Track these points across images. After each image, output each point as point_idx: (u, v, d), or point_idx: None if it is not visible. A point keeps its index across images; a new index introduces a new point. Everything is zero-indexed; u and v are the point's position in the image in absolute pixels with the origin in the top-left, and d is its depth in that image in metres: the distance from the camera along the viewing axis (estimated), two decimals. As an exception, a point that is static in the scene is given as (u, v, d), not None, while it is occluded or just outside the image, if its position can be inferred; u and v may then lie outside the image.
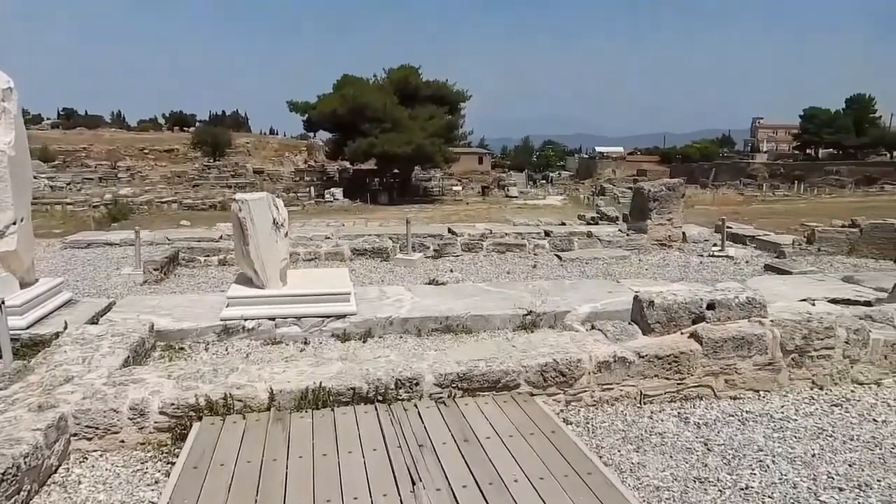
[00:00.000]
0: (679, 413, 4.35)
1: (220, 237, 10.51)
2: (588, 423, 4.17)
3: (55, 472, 3.50)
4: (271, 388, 3.98)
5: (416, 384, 4.17)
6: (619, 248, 10.77)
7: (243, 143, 48.14)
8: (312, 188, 33.33)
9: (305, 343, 5.73)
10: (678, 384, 4.58)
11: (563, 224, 12.97)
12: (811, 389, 4.73)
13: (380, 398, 4.10)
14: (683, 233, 11.56)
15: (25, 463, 3.19)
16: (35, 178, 29.02)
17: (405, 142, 31.46)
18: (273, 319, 5.79)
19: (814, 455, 3.72)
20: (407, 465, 3.29)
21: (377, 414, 3.90)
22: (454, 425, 3.77)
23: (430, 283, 7.73)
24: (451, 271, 8.93)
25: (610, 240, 11.06)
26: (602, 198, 33.50)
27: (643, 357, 4.53)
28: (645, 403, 4.47)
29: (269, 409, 3.94)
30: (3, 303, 4.91)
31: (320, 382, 4.04)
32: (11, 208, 5.44)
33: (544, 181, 51.98)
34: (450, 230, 11.24)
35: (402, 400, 4.11)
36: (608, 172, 56.39)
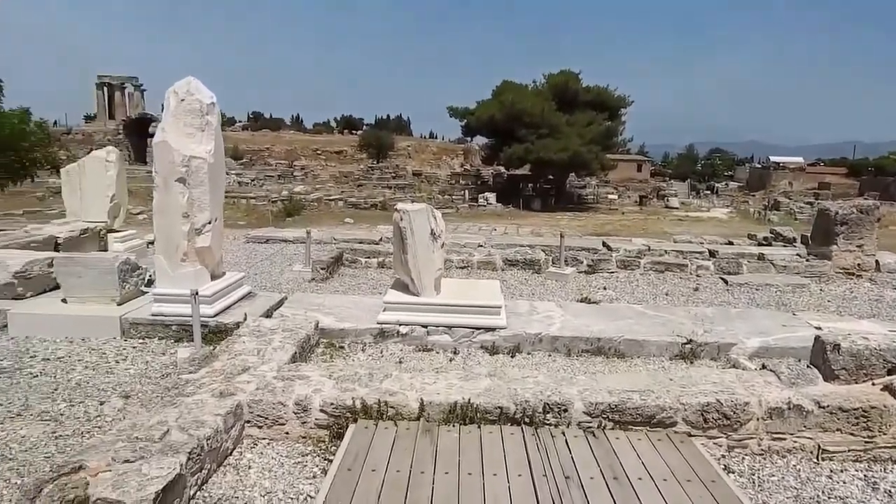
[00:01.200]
0: (865, 476, 3.82)
1: (380, 239, 11.06)
2: (753, 475, 3.80)
3: (230, 454, 3.88)
4: (422, 399, 4.09)
5: (565, 410, 4.06)
6: (797, 275, 9.73)
7: (405, 147, 50.41)
8: (467, 192, 34.03)
9: (455, 353, 5.83)
10: (866, 442, 4.03)
11: (731, 243, 11.99)
12: None
13: (526, 420, 4.05)
14: (877, 261, 10.17)
15: (208, 444, 3.57)
16: (226, 174, 32.66)
17: (561, 148, 31.03)
18: (425, 327, 5.97)
19: None
20: (552, 497, 3.22)
21: (523, 437, 3.86)
22: (603, 459, 3.62)
23: (582, 301, 7.53)
24: (605, 289, 8.63)
25: (785, 264, 10.03)
26: (775, 213, 30.58)
27: (824, 407, 4.04)
28: (823, 460, 3.98)
29: (418, 418, 4.05)
30: (196, 293, 5.56)
31: (469, 398, 4.08)
32: (208, 209, 6.14)
33: (709, 192, 48.62)
34: (604, 244, 10.88)
35: (550, 425, 4.03)
36: (783, 185, 51.33)
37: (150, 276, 7.05)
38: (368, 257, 9.71)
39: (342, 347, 5.87)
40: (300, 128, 73.33)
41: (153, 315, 6.00)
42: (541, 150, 31.31)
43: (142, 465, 3.19)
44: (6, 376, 4.98)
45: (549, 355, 5.83)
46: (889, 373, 4.27)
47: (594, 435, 3.94)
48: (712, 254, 10.46)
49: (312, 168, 42.01)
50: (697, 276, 9.86)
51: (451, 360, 5.66)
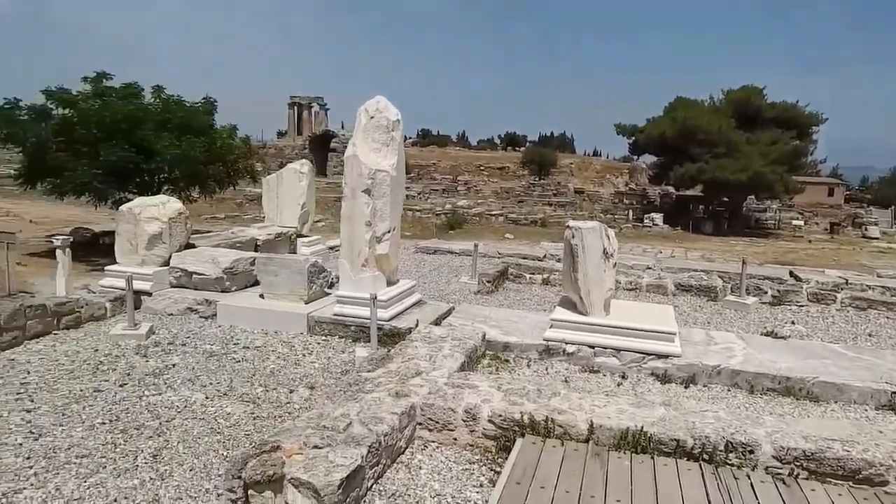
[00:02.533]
0: None
1: (544, 256, 11.02)
2: None
3: (402, 453, 4.07)
4: (591, 421, 4.00)
5: (751, 452, 3.74)
6: None
7: (567, 164, 49.84)
8: (631, 211, 32.80)
9: (623, 377, 5.63)
10: None
11: (952, 282, 10.29)
12: None
13: (705, 457, 3.79)
14: None
15: (385, 440, 3.78)
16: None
17: (740, 168, 28.77)
18: (592, 348, 5.83)
19: None
20: (737, 544, 2.97)
21: (702, 475, 3.61)
22: (796, 512, 3.28)
23: (767, 335, 6.89)
24: (793, 323, 7.82)
25: None
26: None
27: None
28: None
29: (587, 441, 3.96)
30: (375, 297, 5.94)
31: (642, 426, 3.91)
32: (388, 219, 6.53)
33: (920, 222, 42.19)
34: (792, 274, 9.88)
35: (731, 465, 3.73)
36: None
37: (333, 279, 7.66)
38: (533, 273, 9.72)
39: (507, 360, 5.92)
40: (465, 144, 75.56)
41: (335, 315, 6.50)
42: (716, 169, 29.28)
43: (328, 452, 3.45)
44: (216, 359, 5.67)
45: (729, 390, 5.41)
46: None
47: (785, 483, 3.58)
48: (928, 292, 9.06)
49: (475, 183, 43.03)
50: (909, 317, 8.59)
51: (618, 385, 5.47)
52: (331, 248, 11.65)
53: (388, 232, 6.60)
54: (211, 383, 5.10)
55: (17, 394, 4.71)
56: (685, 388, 5.44)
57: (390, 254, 6.67)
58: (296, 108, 56.09)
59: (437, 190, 38.52)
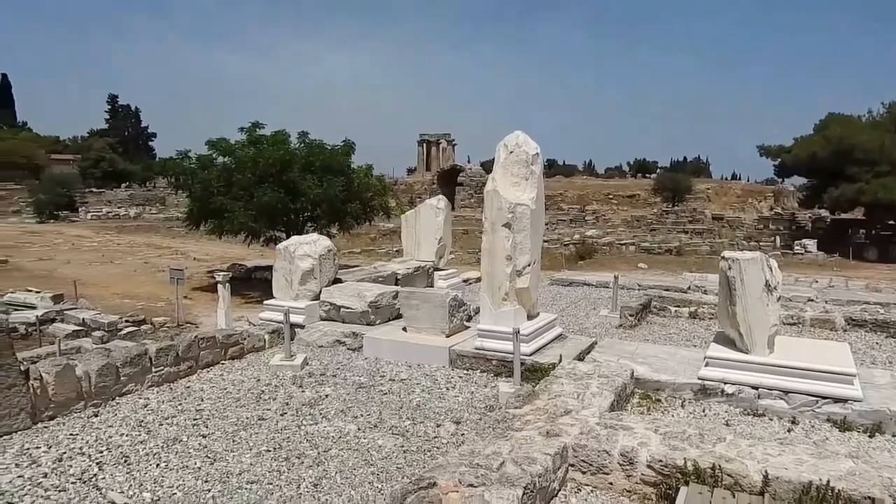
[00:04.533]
0: None
1: (689, 288, 10.42)
2: None
3: (556, 496, 3.93)
4: (766, 472, 3.64)
5: (968, 518, 3.21)
6: None
7: (703, 189, 47.30)
8: (778, 237, 30.25)
9: (793, 422, 5.10)
10: None
11: None
12: None
13: (908, 519, 3.31)
14: None
15: (539, 482, 3.67)
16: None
17: (909, 187, 25.67)
18: (756, 388, 5.35)
19: None
20: None
21: (908, 541, 3.15)
22: None
23: (969, 378, 5.97)
24: None
25: None
26: None
27: None
28: None
29: (761, 493, 3.60)
30: (518, 332, 5.88)
31: (827, 480, 3.49)
32: (529, 253, 6.50)
33: None
34: None
35: (944, 532, 3.23)
36: None
37: (471, 312, 7.72)
38: (678, 306, 9.20)
39: (659, 400, 5.60)
40: (592, 173, 74.28)
41: (476, 349, 6.52)
42: (879, 190, 26.29)
43: (483, 491, 3.41)
44: (364, 391, 5.87)
45: (925, 442, 4.72)
46: None
47: None
48: None
49: (604, 212, 41.96)
50: None
51: (789, 431, 4.96)
52: (465, 280, 11.80)
53: (529, 265, 6.55)
54: (362, 414, 5.28)
55: (194, 420, 5.15)
56: (870, 437, 4.82)
57: (531, 287, 6.61)
58: (424, 144, 58.35)
59: (564, 220, 37.99)
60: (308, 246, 8.16)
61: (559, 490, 3.99)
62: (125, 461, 4.37)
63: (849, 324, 8.23)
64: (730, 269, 5.52)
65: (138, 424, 5.02)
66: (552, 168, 72.96)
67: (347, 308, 7.67)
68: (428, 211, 11.32)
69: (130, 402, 5.53)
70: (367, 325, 7.56)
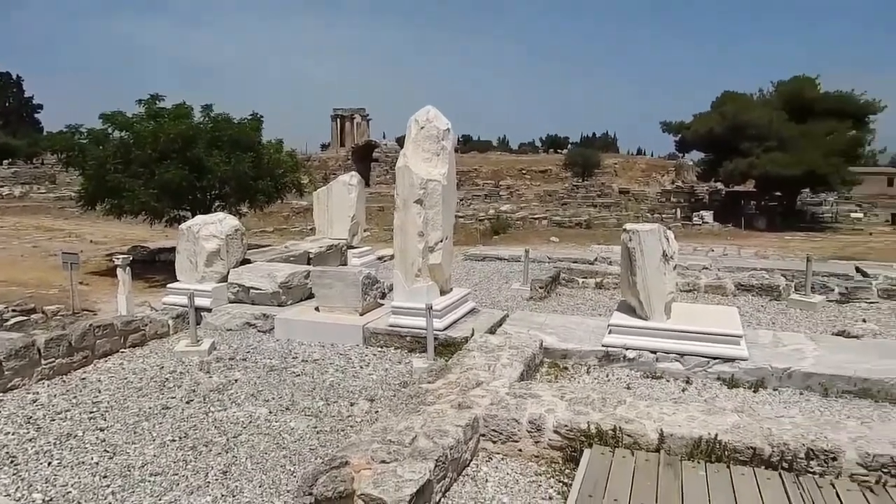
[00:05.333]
0: None
1: (595, 259, 10.85)
2: None
3: (468, 466, 4.02)
4: (661, 430, 3.88)
5: (833, 459, 3.57)
6: None
7: (611, 164, 49.13)
8: (679, 209, 32.01)
9: (687, 382, 5.46)
10: None
11: None
12: None
13: (784, 465, 3.63)
14: None
15: (450, 453, 3.74)
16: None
17: (793, 162, 27.73)
18: (654, 353, 5.68)
19: None
20: (829, 560, 2.82)
21: (783, 484, 3.45)
22: (890, 524, 3.10)
23: (839, 335, 6.59)
24: (864, 322, 7.46)
25: None
26: None
27: None
28: None
29: (657, 450, 3.84)
30: (431, 307, 5.92)
31: (715, 434, 3.77)
32: (440, 228, 6.53)
33: None
34: (858, 269, 9.46)
35: (814, 474, 3.56)
36: None
37: (385, 289, 7.69)
38: (585, 277, 9.56)
39: (566, 368, 5.82)
40: (506, 149, 75.39)
41: (390, 326, 6.52)
42: (768, 164, 28.30)
43: (396, 467, 3.44)
44: (276, 373, 5.75)
45: (801, 394, 5.18)
46: None
47: (873, 491, 3.40)
48: None
49: (517, 187, 42.79)
50: None
51: (684, 391, 5.30)
52: (380, 258, 11.74)
53: (441, 241, 6.59)
54: (273, 398, 5.17)
55: (91, 413, 4.87)
56: (754, 392, 5.24)
57: (443, 263, 6.66)
58: (338, 120, 57.12)
59: (479, 196, 38.43)
60: (213, 226, 7.83)
61: (471, 460, 4.08)
62: (11, 461, 4.07)
63: (738, 289, 8.86)
64: (630, 240, 5.78)
65: (26, 421, 4.69)
66: (467, 144, 73.49)
67: (257, 289, 7.45)
68: (340, 188, 11.12)
69: (17, 397, 5.14)
70: (279, 306, 7.38)
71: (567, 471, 3.90)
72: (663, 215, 31.08)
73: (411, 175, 6.32)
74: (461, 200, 36.49)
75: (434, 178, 6.40)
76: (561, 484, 3.78)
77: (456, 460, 3.83)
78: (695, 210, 31.16)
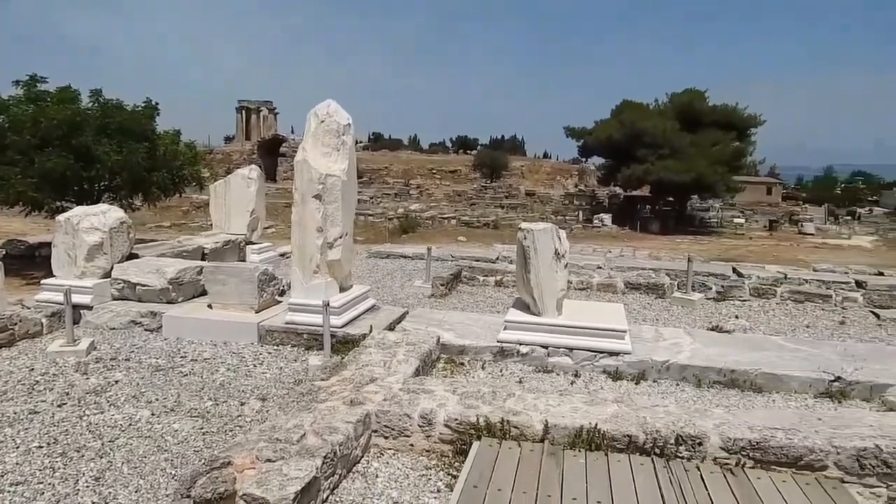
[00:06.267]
0: None
1: (497, 258, 11.09)
2: (922, 534, 3.39)
3: (358, 462, 4.01)
4: (546, 421, 4.03)
5: (700, 444, 3.84)
6: (965, 312, 8.62)
7: (518, 166, 50.44)
8: (581, 212, 33.40)
9: (576, 375, 5.70)
10: None
11: (881, 273, 10.85)
12: None
13: (657, 451, 3.87)
14: None
15: (340, 450, 3.71)
16: (347, 192, 34.19)
17: (684, 169, 29.67)
18: (546, 348, 5.89)
19: None
20: (689, 536, 3.03)
21: (654, 469, 3.68)
22: (744, 499, 3.38)
23: (713, 329, 7.10)
24: (737, 318, 8.10)
25: (951, 299, 8.92)
26: (933, 242, 27.33)
27: None
28: None
29: (542, 440, 3.99)
30: (328, 304, 5.85)
31: (595, 423, 3.96)
32: (340, 224, 6.46)
33: (850, 217, 44.42)
34: (734, 270, 10.24)
35: (682, 459, 3.82)
36: (943, 211, 45.81)
37: (284, 286, 7.52)
38: (486, 275, 9.77)
39: (462, 364, 5.92)
40: (417, 148, 75.57)
41: (287, 323, 6.37)
42: (661, 170, 30.12)
43: (282, 465, 3.37)
44: (162, 374, 5.47)
45: (677, 384, 5.55)
46: None
47: (732, 473, 3.69)
48: (860, 285, 9.53)
49: (427, 187, 43.06)
50: (843, 308, 9.01)
51: (572, 383, 5.53)
52: (282, 254, 11.44)
53: (341, 237, 6.52)
54: (157, 399, 4.92)
55: (-55, 418, 4.44)
56: (636, 384, 5.55)
57: (343, 259, 6.59)
58: (244, 112, 55.13)
59: (389, 194, 38.36)
60: (95, 217, 7.33)
61: (362, 456, 4.07)
62: None
63: (627, 287, 9.36)
64: (525, 239, 5.96)
65: None
66: (378, 142, 73.06)
67: (145, 286, 7.05)
68: (239, 181, 10.73)
69: None
70: (168, 303, 7.03)
71: (457, 464, 3.96)
72: (567, 217, 32.32)
73: (310, 169, 6.21)
74: (371, 199, 36.28)
75: (334, 174, 6.33)
76: (450, 477, 3.84)
77: (346, 457, 3.81)
78: (595, 213, 32.62)
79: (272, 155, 43.07)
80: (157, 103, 14.28)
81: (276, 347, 6.25)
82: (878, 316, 8.43)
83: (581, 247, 19.89)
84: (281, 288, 7.35)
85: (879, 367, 5.64)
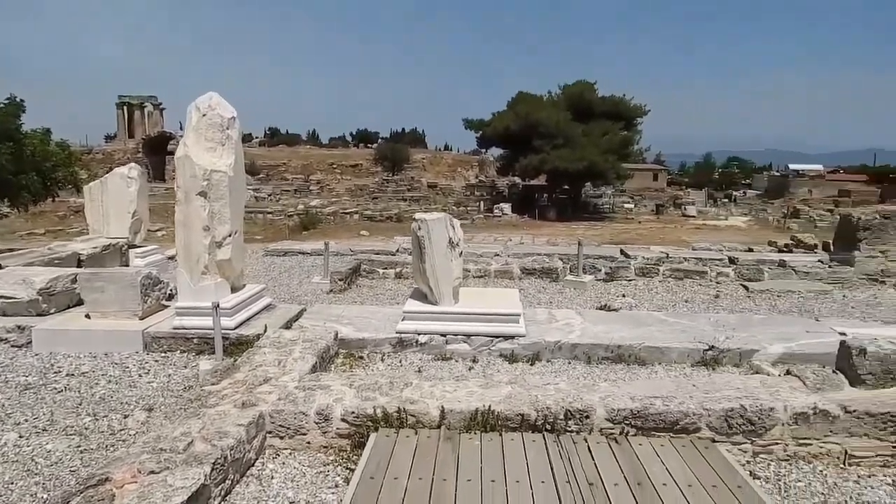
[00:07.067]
0: (894, 481, 3.74)
1: (397, 250, 11.10)
2: (779, 481, 3.74)
3: (252, 465, 3.89)
4: (443, 407, 4.08)
5: (587, 417, 4.03)
6: (819, 282, 9.59)
7: (420, 159, 50.67)
8: (482, 202, 34.06)
9: (474, 361, 5.82)
10: (894, 447, 3.94)
11: (751, 250, 11.86)
12: None
13: (548, 427, 4.02)
14: (902, 266, 9.99)
15: (231, 455, 3.58)
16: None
17: (577, 158, 30.94)
18: (444, 336, 5.96)
19: None
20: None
21: (545, 444, 3.83)
22: (626, 466, 3.58)
23: (601, 309, 7.48)
24: (624, 296, 8.57)
25: (807, 271, 9.89)
26: (795, 221, 30.18)
27: (850, 412, 3.97)
28: (851, 465, 3.91)
29: (439, 426, 4.04)
30: (217, 306, 5.62)
31: (489, 405, 4.06)
32: (229, 222, 6.20)
33: (727, 200, 48.14)
34: (622, 252, 10.81)
35: (571, 432, 4.00)
36: (803, 192, 50.71)
37: (172, 290, 7.14)
38: (386, 268, 9.75)
39: (361, 357, 5.89)
40: (316, 142, 74.01)
41: (175, 328, 6.06)
42: (556, 160, 31.23)
43: (167, 476, 3.21)
44: (32, 392, 5.05)
45: (569, 363, 5.79)
46: (918, 376, 4.18)
47: (617, 441, 3.91)
48: (732, 261, 10.35)
49: (328, 182, 42.35)
50: (717, 283, 9.76)
51: (470, 369, 5.64)
52: (170, 257, 10.84)
53: (230, 236, 6.27)
54: (26, 419, 4.53)
55: None
56: (531, 365, 5.74)
57: (233, 258, 6.34)
58: (125, 108, 51.65)
59: (288, 191, 37.39)
60: (-52, 226, 6.63)
61: (256, 458, 3.95)
62: None
63: (523, 273, 9.67)
64: (419, 229, 5.99)
65: None
66: (275, 137, 70.91)
67: (9, 298, 6.46)
68: (118, 181, 10.04)
69: None
70: (39, 315, 6.48)
71: (355, 457, 3.93)
72: (469, 208, 32.85)
73: (193, 166, 5.92)
74: (269, 196, 35.18)
75: (219, 169, 6.06)
76: (348, 471, 3.81)
77: (238, 461, 3.68)
78: (496, 203, 33.35)
79: (159, 153, 40.74)
80: (22, 100, 13.13)
81: (163, 355, 5.93)
82: (747, 288, 9.20)
83: (483, 236, 20.31)
84: (168, 292, 6.98)
85: (746, 335, 6.15)
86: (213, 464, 3.37)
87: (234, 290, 6.47)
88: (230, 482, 3.58)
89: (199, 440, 3.60)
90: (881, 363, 4.25)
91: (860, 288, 9.51)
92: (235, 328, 6.07)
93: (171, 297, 7.02)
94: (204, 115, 6.13)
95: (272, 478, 3.76)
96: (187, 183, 5.98)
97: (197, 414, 4.01)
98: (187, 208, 6.01)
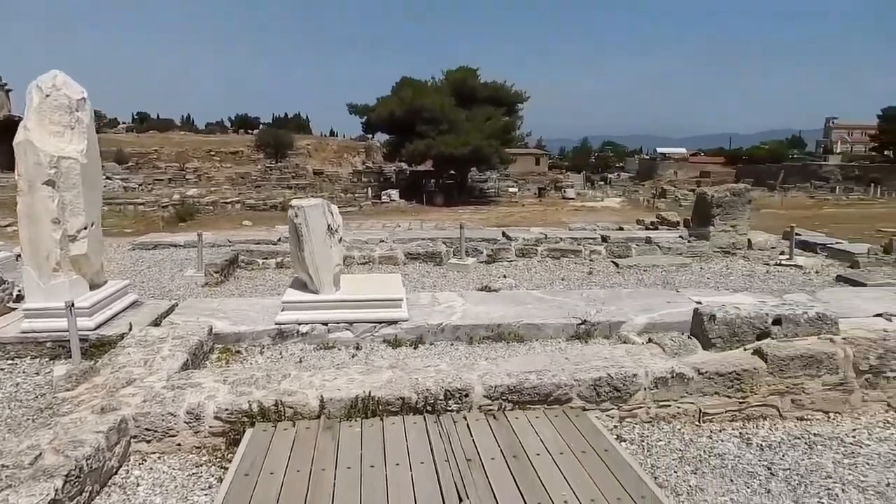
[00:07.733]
0: (741, 434, 4.14)
1: (279, 239, 10.74)
2: (643, 441, 4.02)
3: (115, 473, 3.62)
4: (322, 396, 4.01)
5: (466, 396, 4.12)
6: (680, 256, 10.41)
7: (304, 145, 49.26)
8: (370, 189, 33.79)
9: (357, 348, 5.77)
10: (740, 403, 4.36)
11: (621, 229, 12.65)
12: (886, 412, 4.42)
13: (429, 409, 4.07)
14: (749, 240, 11.07)
15: (88, 465, 3.31)
16: (109, 179, 30.53)
17: (462, 143, 31.45)
18: (326, 324, 5.86)
19: (888, 484, 3.46)
20: (454, 481, 3.24)
21: (426, 425, 3.87)
22: (503, 440, 3.70)
23: (482, 290, 7.66)
24: (505, 277, 8.82)
25: (670, 246, 10.70)
26: (663, 200, 32.57)
27: (703, 374, 4.34)
28: (704, 422, 4.28)
29: (319, 416, 3.96)
30: (72, 305, 5.15)
31: (370, 391, 4.04)
32: (83, 214, 5.70)
33: (602, 182, 51.01)
34: (504, 234, 11.14)
35: (452, 412, 4.07)
36: (669, 174, 54.83)
37: (20, 290, 6.48)
38: (266, 258, 9.41)
39: (239, 352, 5.65)
40: (191, 128, 69.78)
41: (23, 332, 5.51)
42: (442, 145, 31.58)
43: (9, 494, 2.92)
44: None
45: (452, 344, 5.89)
46: (758, 338, 4.63)
47: (495, 417, 4.02)
48: (604, 239, 10.98)
49: (206, 170, 40.18)
50: (591, 260, 10.31)
51: (353, 357, 5.58)
52: (19, 255, 9.83)
53: (85, 228, 5.76)
54: None
55: None
56: (414, 349, 5.78)
57: (90, 253, 5.84)
58: (-38, 90, 45.89)
59: (161, 180, 35.13)
60: None
61: (120, 466, 3.68)
62: None
63: (408, 258, 9.70)
64: (296, 216, 5.82)
65: None
66: (144, 122, 66.12)
67: None
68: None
69: None
70: None
71: (230, 455, 3.77)
72: (356, 195, 32.48)
73: (36, 152, 5.37)
74: (140, 185, 32.85)
75: (69, 156, 5.54)
76: (223, 470, 3.64)
77: (97, 470, 3.41)
78: (384, 189, 33.23)
79: (6, 140, 36.69)
80: None
81: (10, 362, 5.37)
82: (617, 265, 9.80)
83: (371, 223, 20.18)
84: (15, 293, 6.33)
85: (615, 308, 6.54)
86: (66, 476, 3.10)
87: (93, 287, 5.98)
88: (88, 494, 3.31)
89: (49, 452, 3.30)
90: (728, 327, 4.66)
91: (714, 260, 10.42)
92: (96, 328, 5.62)
93: (19, 298, 6.37)
94: (48, 96, 5.58)
95: (138, 485, 3.53)
96: (31, 171, 5.42)
97: (47, 424, 3.67)
98: (32, 199, 5.46)
